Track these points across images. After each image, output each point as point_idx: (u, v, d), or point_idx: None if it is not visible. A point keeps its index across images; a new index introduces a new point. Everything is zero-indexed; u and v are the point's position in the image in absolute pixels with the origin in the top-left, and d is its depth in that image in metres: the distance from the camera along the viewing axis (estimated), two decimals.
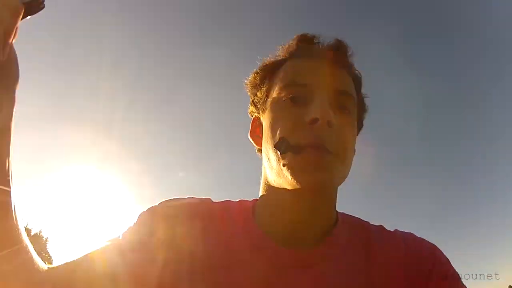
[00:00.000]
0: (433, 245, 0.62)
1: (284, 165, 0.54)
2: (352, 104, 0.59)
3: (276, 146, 0.54)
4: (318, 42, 0.62)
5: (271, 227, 0.59)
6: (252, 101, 0.66)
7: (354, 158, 0.61)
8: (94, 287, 0.55)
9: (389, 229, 0.64)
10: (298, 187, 0.53)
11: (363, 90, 0.64)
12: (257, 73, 0.66)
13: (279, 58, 0.64)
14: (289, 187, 0.55)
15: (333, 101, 0.56)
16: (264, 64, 0.65)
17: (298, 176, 0.52)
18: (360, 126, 0.65)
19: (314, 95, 0.56)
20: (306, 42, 0.62)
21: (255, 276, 0.55)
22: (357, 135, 0.64)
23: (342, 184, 0.58)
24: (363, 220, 0.66)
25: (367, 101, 0.65)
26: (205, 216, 0.61)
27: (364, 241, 0.61)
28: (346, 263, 0.58)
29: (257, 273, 0.55)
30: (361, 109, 0.64)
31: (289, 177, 0.53)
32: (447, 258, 0.60)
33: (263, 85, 0.64)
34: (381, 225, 0.65)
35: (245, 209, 0.63)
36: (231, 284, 0.55)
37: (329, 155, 0.52)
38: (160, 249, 0.57)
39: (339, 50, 0.61)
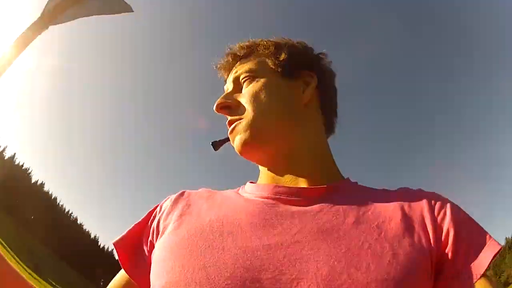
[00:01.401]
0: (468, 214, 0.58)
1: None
2: (249, 76, 0.71)
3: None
4: (228, 54, 0.76)
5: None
6: None
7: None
8: None
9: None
10: (240, 155, 0.68)
11: (283, 54, 0.70)
12: None
13: None
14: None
15: (236, 86, 0.72)
16: None
17: (235, 148, 0.67)
18: (294, 72, 0.70)
19: None
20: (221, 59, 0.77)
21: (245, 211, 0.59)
22: (311, 83, 0.71)
23: None
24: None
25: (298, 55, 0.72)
26: (209, 195, 0.68)
27: (377, 194, 0.62)
28: (348, 203, 0.58)
29: (251, 208, 0.59)
30: (288, 61, 0.70)
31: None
32: (482, 228, 0.56)
33: None
34: (405, 187, 0.65)
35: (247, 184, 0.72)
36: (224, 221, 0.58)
37: (240, 121, 0.67)
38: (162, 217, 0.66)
39: (232, 51, 0.75)
